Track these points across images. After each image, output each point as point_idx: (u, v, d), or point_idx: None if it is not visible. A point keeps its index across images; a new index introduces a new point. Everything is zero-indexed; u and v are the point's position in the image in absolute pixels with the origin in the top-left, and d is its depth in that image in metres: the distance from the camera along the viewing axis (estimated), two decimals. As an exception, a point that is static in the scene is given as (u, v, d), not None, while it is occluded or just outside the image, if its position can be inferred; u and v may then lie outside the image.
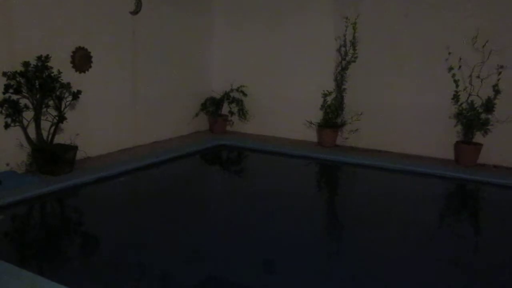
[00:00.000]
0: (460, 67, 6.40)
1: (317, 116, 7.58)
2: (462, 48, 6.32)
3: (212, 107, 8.28)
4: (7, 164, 5.00)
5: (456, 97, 6.43)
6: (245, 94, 8.20)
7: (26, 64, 4.90)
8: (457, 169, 6.10)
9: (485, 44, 6.13)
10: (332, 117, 7.28)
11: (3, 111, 4.87)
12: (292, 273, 3.36)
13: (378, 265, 3.55)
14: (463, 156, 6.38)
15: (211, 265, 3.46)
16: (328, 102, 7.41)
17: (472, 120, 6.23)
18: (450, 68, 6.44)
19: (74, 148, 5.27)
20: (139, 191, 5.30)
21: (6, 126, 4.90)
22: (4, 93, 4.79)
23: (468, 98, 6.37)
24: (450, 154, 6.66)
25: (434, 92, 6.70)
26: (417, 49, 6.73)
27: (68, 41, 5.58)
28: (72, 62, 5.63)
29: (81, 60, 5.73)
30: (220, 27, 8.41)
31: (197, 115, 8.22)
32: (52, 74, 5.07)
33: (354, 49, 7.06)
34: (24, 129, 5.08)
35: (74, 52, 5.64)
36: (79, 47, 5.70)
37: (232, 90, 8.24)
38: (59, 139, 5.38)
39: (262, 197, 5.19)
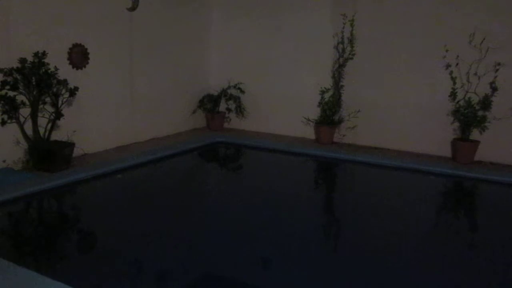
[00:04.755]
0: (457, 64, 6.41)
1: (315, 113, 7.58)
2: (460, 46, 6.33)
3: (210, 104, 8.27)
4: (4, 161, 4.99)
5: (453, 95, 6.44)
6: (242, 91, 8.19)
7: (22, 60, 4.88)
8: (454, 166, 6.11)
9: (482, 41, 6.14)
10: (330, 114, 7.28)
11: (-1, 108, 4.86)
12: (290, 272, 3.36)
13: (376, 262, 3.55)
14: (460, 153, 6.40)
15: (209, 264, 3.46)
16: (326, 99, 7.41)
17: (469, 117, 6.24)
18: (448, 66, 6.45)
19: (71, 145, 5.26)
20: (136, 188, 5.29)
21: (3, 122, 4.88)
22: (0, 90, 4.77)
23: (465, 95, 6.38)
24: (447, 151, 6.67)
25: (431, 89, 6.71)
26: (415, 47, 6.73)
27: (65, 37, 5.56)
28: (69, 58, 5.61)
29: (78, 56, 5.71)
30: (217, 24, 8.39)
31: (194, 112, 8.22)
32: (49, 71, 5.05)
33: (352, 46, 7.06)
34: (21, 125, 5.06)
35: (71, 49, 5.62)
36: (76, 43, 5.68)
37: (229, 87, 8.23)
38: (56, 136, 5.37)
39: (259, 194, 5.20)
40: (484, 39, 6.13)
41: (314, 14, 7.48)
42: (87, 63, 5.86)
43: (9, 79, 4.81)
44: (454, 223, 4.79)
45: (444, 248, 3.91)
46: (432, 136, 6.79)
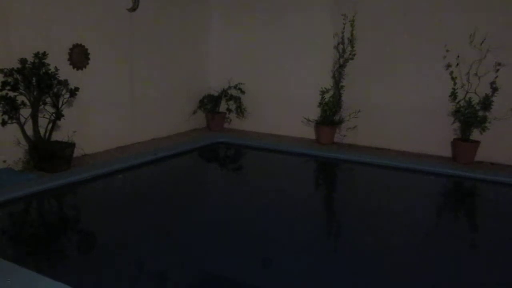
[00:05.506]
0: (457, 64, 6.41)
1: (315, 113, 7.58)
2: (460, 46, 6.33)
3: (210, 104, 8.27)
4: (4, 161, 4.99)
5: (453, 95, 6.44)
6: (242, 92, 8.19)
7: (23, 61, 4.88)
8: (455, 167, 6.11)
9: (483, 41, 6.14)
10: (330, 114, 7.28)
11: (0, 108, 4.86)
12: (289, 273, 3.36)
13: (377, 263, 3.55)
14: (460, 154, 6.40)
15: (209, 264, 3.46)
16: (326, 100, 7.41)
17: (470, 117, 6.24)
18: (448, 66, 6.45)
19: (72, 145, 5.26)
20: (137, 188, 5.30)
21: (3, 123, 4.88)
22: (1, 90, 4.77)
23: (465, 95, 6.38)
24: (447, 152, 6.67)
25: (432, 89, 6.70)
26: (415, 47, 6.73)
27: (65, 37, 5.56)
28: (70, 59, 5.62)
29: (79, 57, 5.71)
30: (217, 24, 8.39)
31: (194, 112, 8.22)
32: (49, 71, 5.05)
33: (352, 47, 7.05)
34: (21, 126, 5.06)
35: (71, 49, 5.62)
36: (76, 44, 5.68)
37: (229, 87, 8.24)
38: (56, 136, 5.37)
39: (259, 194, 5.20)
40: (484, 39, 6.13)
41: (314, 15, 7.48)
42: (88, 63, 5.86)
43: (10, 79, 4.81)
44: (454, 223, 4.79)
45: (444, 249, 3.91)
46: (432, 136, 6.79)
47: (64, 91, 5.24)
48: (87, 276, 3.13)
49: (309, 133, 7.74)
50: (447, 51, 6.38)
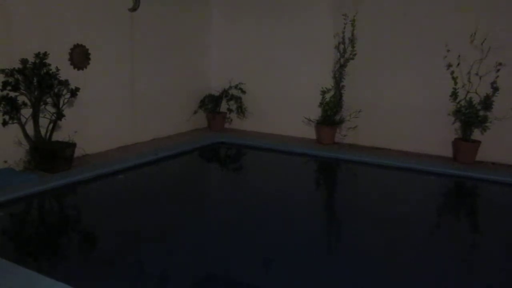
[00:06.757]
0: (458, 64, 6.41)
1: (316, 113, 7.58)
2: (461, 45, 6.32)
3: (211, 104, 8.28)
4: (5, 161, 5.00)
5: (454, 94, 6.43)
6: (243, 92, 8.19)
7: (24, 61, 4.89)
8: (456, 167, 6.10)
9: (483, 41, 6.14)
10: (331, 114, 7.28)
11: (1, 109, 4.87)
12: (290, 273, 3.36)
13: (377, 263, 3.55)
14: (461, 154, 6.39)
15: (209, 265, 3.46)
16: (327, 99, 7.41)
17: (471, 117, 6.23)
18: (449, 65, 6.45)
19: (72, 146, 5.27)
20: (138, 188, 5.30)
21: (4, 123, 4.89)
22: (2, 90, 4.78)
23: (466, 95, 6.38)
24: (448, 152, 6.67)
25: (432, 89, 6.70)
26: (416, 47, 6.72)
27: (66, 38, 5.57)
28: (70, 59, 5.62)
29: (79, 57, 5.72)
30: (218, 24, 8.40)
31: (195, 112, 8.22)
32: (50, 71, 5.06)
33: (353, 47, 7.05)
34: (22, 126, 5.07)
35: (72, 49, 5.63)
36: (77, 44, 5.69)
37: (230, 88, 8.24)
38: (57, 136, 5.38)
39: (260, 195, 5.20)
40: (485, 39, 6.12)
41: (315, 14, 7.48)
42: (88, 63, 5.87)
43: (11, 79, 4.82)
44: (455, 223, 4.79)
45: (445, 248, 3.91)
46: (433, 136, 6.79)
47: (65, 91, 5.25)
48: (87, 276, 3.13)
49: (310, 133, 7.74)
50: (448, 51, 6.38)
